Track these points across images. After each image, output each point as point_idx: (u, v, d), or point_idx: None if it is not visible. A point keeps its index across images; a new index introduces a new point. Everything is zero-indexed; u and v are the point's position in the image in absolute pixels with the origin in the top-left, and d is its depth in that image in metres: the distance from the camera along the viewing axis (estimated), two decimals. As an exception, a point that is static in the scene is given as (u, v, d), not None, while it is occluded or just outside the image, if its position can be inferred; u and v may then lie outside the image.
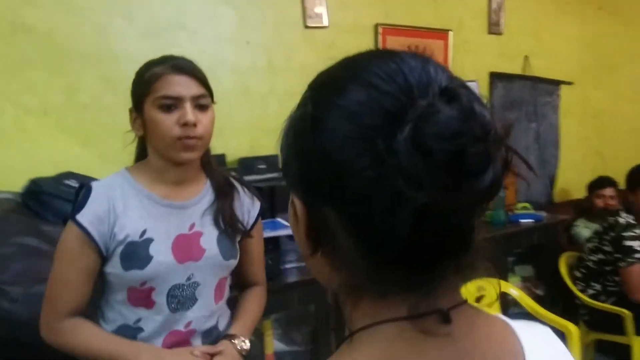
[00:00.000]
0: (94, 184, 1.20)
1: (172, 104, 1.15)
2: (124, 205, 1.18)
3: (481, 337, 0.48)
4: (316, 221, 0.47)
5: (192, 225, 1.24)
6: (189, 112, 1.15)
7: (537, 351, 0.50)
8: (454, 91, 0.41)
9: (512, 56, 3.40)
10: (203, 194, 1.27)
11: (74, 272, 1.16)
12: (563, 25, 3.63)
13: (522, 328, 0.52)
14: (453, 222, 0.43)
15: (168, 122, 1.15)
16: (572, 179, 3.71)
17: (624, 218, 2.62)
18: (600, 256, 2.68)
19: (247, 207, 1.34)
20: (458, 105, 0.40)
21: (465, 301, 0.48)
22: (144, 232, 1.18)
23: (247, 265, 1.37)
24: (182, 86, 1.16)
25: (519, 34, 3.41)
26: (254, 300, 1.40)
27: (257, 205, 1.37)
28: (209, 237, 1.25)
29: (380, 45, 2.85)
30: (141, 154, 1.28)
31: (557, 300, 2.83)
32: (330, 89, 0.46)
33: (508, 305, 2.61)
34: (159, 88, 1.15)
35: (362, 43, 2.82)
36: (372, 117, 0.42)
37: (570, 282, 2.81)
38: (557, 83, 3.57)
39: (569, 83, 3.62)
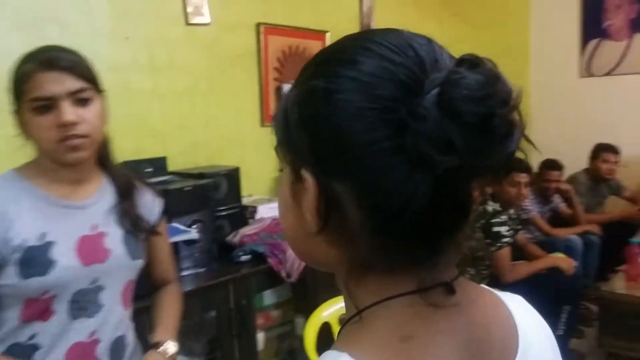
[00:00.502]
0: None
1: (46, 105, 1.05)
2: (16, 209, 1.08)
3: (480, 306, 0.52)
4: (326, 196, 0.47)
5: (95, 226, 1.18)
6: (66, 112, 1.06)
7: (522, 317, 0.54)
8: (476, 59, 0.43)
9: (383, 57, 3.58)
10: (102, 192, 1.21)
11: None
12: (425, 30, 3.74)
13: (504, 296, 0.56)
14: (463, 193, 0.45)
15: (45, 125, 1.06)
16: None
17: (491, 206, 2.89)
18: (472, 243, 2.94)
19: (150, 205, 1.30)
20: (483, 71, 0.42)
21: (460, 274, 0.51)
22: (43, 235, 1.09)
23: (157, 263, 1.35)
24: (55, 84, 1.06)
25: (389, 37, 3.61)
26: (171, 299, 1.35)
27: (159, 202, 1.34)
28: (114, 238, 1.19)
29: (262, 45, 2.84)
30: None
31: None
32: (340, 62, 0.46)
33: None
34: (30, 89, 1.05)
35: (245, 41, 2.79)
36: (386, 88, 0.43)
37: (448, 267, 3.04)
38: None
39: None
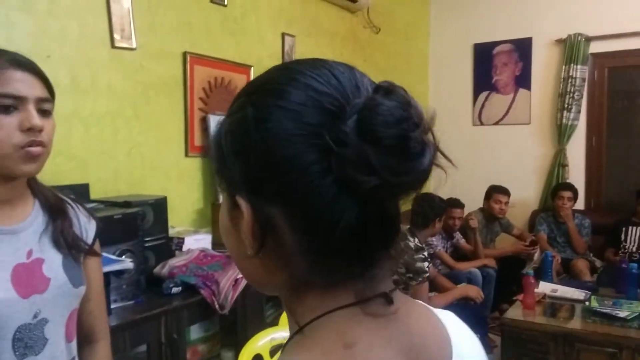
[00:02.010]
0: None
1: (11, 105, 0.97)
2: None
3: (415, 316, 0.55)
4: (261, 220, 0.48)
5: (30, 252, 1.04)
6: (35, 116, 0.98)
7: (453, 328, 0.57)
8: (390, 86, 0.47)
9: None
10: (34, 215, 1.08)
11: None
12: None
13: (435, 310, 0.60)
14: (390, 209, 0.49)
15: (8, 126, 0.96)
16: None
17: (412, 242, 3.03)
18: (395, 277, 3.03)
19: (84, 225, 1.18)
20: (396, 97, 0.46)
21: (396, 287, 0.54)
22: None
23: (85, 299, 1.15)
24: (25, 85, 0.99)
25: (308, 76, 3.72)
26: None
27: (94, 223, 1.21)
28: (53, 264, 1.07)
29: (188, 74, 2.80)
30: None
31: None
32: (269, 92, 0.49)
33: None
34: None
35: (171, 69, 2.74)
36: (313, 115, 0.46)
37: (369, 300, 3.10)
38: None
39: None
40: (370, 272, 0.50)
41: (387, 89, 0.46)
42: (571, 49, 4.67)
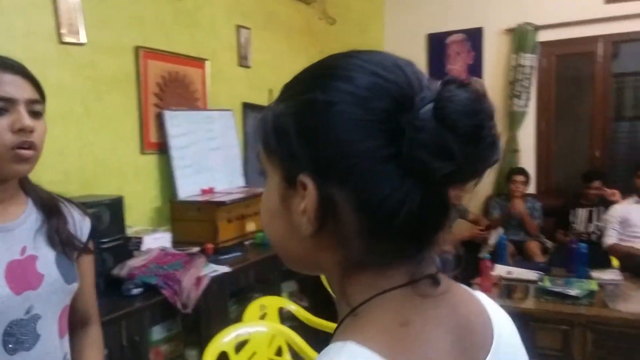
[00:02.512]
0: None
1: (2, 107, 0.99)
2: None
3: (460, 297, 0.57)
4: (324, 200, 0.50)
5: (24, 249, 1.07)
6: (27, 117, 1.00)
7: (492, 310, 0.60)
8: (463, 80, 0.49)
9: (259, 88, 3.65)
10: (27, 213, 1.11)
11: None
12: (296, 65, 4.02)
13: (473, 292, 0.62)
14: (448, 195, 0.50)
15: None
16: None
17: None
18: None
19: (79, 223, 1.21)
20: (471, 90, 0.48)
21: (439, 269, 0.56)
22: None
23: (79, 293, 1.19)
24: (15, 87, 1.01)
25: (264, 69, 3.70)
26: (92, 348, 1.25)
27: (88, 221, 1.24)
28: (46, 261, 1.10)
29: (141, 69, 2.73)
30: None
31: (320, 309, 3.11)
32: (337, 77, 0.50)
33: (283, 319, 2.76)
34: None
35: (123, 65, 2.67)
36: (380, 101, 0.48)
37: (331, 290, 3.12)
38: (295, 115, 3.97)
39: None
40: (422, 254, 0.52)
41: (461, 81, 0.48)
42: (520, 38, 4.79)
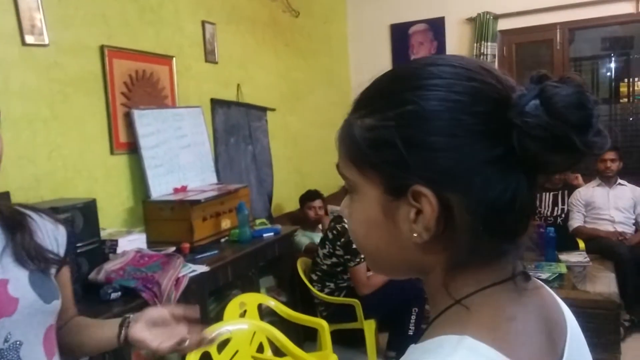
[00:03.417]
0: None
1: None
2: None
3: (542, 291, 0.60)
4: (442, 207, 0.51)
5: None
6: None
7: (562, 304, 0.63)
8: (563, 76, 0.51)
9: (227, 84, 3.62)
10: None
11: None
12: (262, 58, 4.05)
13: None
14: (536, 189, 0.54)
15: None
16: (283, 194, 4.15)
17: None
18: (334, 259, 3.09)
19: (52, 233, 1.10)
20: (573, 84, 0.49)
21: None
22: None
23: (63, 302, 1.10)
24: None
25: (231, 64, 3.66)
26: (85, 319, 1.22)
27: (63, 230, 1.14)
28: (19, 283, 0.99)
29: (107, 69, 2.67)
30: None
31: (297, 304, 3.14)
32: (436, 86, 0.52)
33: (263, 315, 2.77)
34: None
35: (88, 65, 2.61)
36: (481, 105, 0.50)
37: (310, 285, 3.15)
38: (263, 109, 3.95)
39: (272, 109, 4.06)
40: (515, 250, 0.54)
41: (561, 78, 0.50)
42: (481, 27, 4.89)
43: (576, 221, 3.96)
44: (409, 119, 0.51)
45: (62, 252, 1.11)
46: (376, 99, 0.55)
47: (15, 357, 0.97)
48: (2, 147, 0.99)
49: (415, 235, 0.52)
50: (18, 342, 0.98)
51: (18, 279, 1.00)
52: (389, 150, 0.52)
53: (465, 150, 0.49)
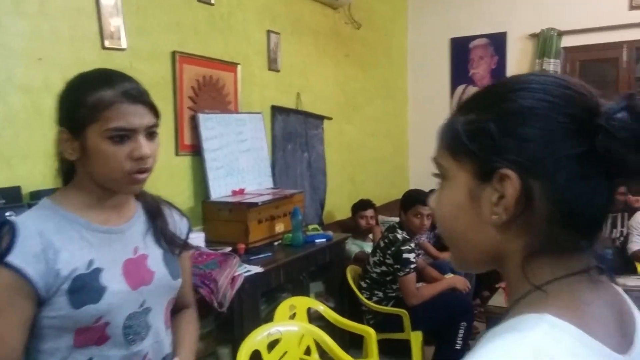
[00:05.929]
0: (17, 220, 1.03)
1: (124, 136, 1.06)
2: (61, 238, 1.07)
3: (612, 285, 0.64)
4: (523, 191, 0.56)
5: (136, 249, 1.19)
6: (144, 145, 1.08)
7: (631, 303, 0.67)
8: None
9: (287, 92, 3.72)
10: (137, 216, 1.23)
11: (6, 326, 1.00)
12: (322, 68, 4.14)
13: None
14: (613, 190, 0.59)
15: (120, 155, 1.07)
16: (335, 202, 4.21)
17: (400, 234, 3.11)
18: (383, 268, 3.12)
19: (178, 224, 1.33)
20: None
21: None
22: (90, 262, 1.09)
23: (182, 285, 1.31)
24: (137, 117, 1.08)
25: (292, 72, 3.76)
26: (189, 326, 1.38)
27: (185, 221, 1.36)
28: (155, 259, 1.21)
29: (177, 74, 2.81)
30: (67, 179, 1.15)
31: (344, 310, 3.17)
32: (536, 90, 0.59)
33: (311, 319, 2.82)
34: (111, 118, 1.05)
35: (161, 69, 2.75)
36: (572, 108, 0.57)
37: (358, 292, 3.19)
38: (321, 118, 4.03)
39: (329, 118, 4.13)
40: (590, 245, 0.59)
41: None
42: (544, 43, 4.81)
43: (635, 244, 3.82)
44: (507, 113, 0.59)
45: (183, 238, 1.32)
46: (479, 99, 0.63)
47: (144, 320, 1.17)
48: (158, 149, 1.15)
49: (495, 217, 0.58)
50: (148, 308, 1.17)
51: (155, 255, 1.22)
52: (484, 138, 0.59)
53: (552, 143, 0.55)
